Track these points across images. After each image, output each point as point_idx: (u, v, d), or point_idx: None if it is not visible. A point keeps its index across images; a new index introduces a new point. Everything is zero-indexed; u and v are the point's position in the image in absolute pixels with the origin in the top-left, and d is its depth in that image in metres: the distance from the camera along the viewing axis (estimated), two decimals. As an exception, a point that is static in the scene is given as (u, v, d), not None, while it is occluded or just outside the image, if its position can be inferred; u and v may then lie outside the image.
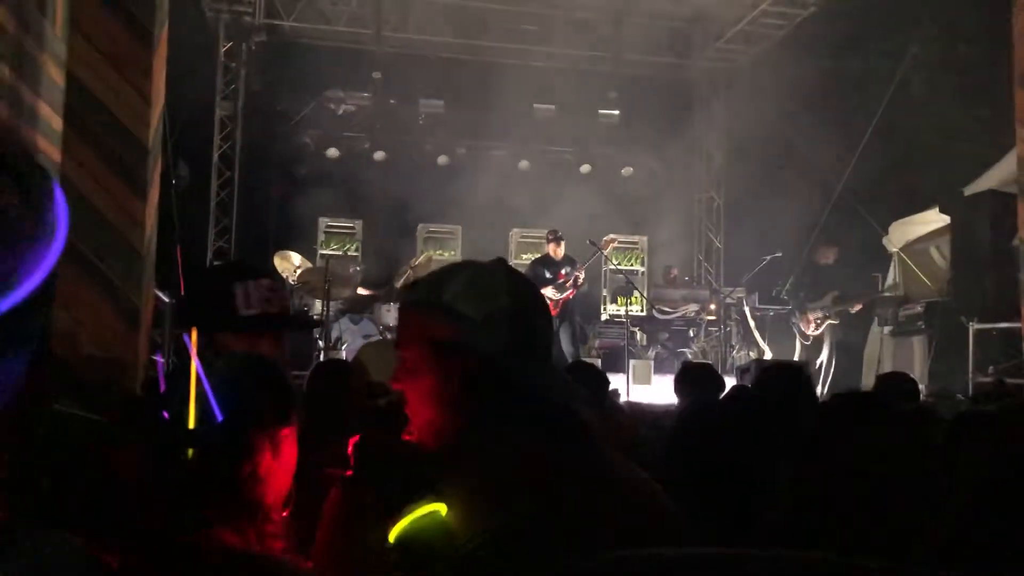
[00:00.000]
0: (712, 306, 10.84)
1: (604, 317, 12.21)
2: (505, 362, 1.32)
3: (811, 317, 9.43)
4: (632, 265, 12.62)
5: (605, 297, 12.51)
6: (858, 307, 9.31)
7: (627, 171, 12.94)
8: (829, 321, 9.32)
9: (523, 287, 1.41)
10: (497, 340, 1.32)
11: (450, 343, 1.33)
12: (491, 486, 1.24)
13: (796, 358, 9.38)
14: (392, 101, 12.37)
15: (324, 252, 11.75)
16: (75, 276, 5.28)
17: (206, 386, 1.54)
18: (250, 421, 1.56)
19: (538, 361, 1.36)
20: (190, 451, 1.51)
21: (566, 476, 1.26)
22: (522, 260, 11.99)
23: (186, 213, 9.69)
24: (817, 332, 9.41)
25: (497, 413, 1.32)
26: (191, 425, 1.52)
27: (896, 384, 3.17)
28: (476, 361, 1.31)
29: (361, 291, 9.82)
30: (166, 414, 1.57)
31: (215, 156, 11.77)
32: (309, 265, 9.77)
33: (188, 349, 1.68)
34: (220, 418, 1.53)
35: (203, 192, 11.65)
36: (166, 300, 7.48)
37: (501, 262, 1.45)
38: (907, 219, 10.15)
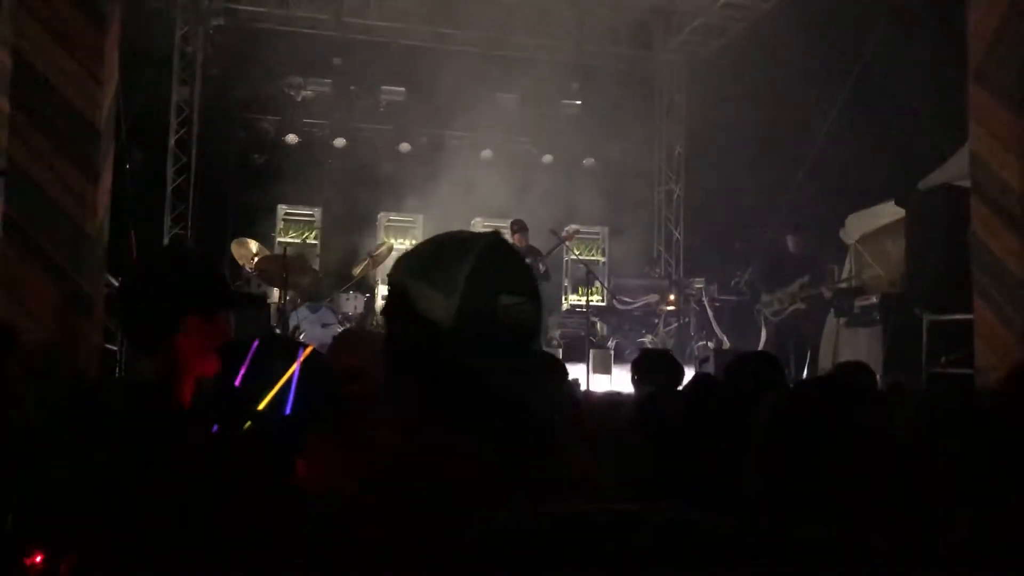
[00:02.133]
0: (672, 296, 10.90)
1: (565, 307, 12.23)
2: (456, 351, 1.19)
3: (780, 298, 9.32)
4: (593, 255, 12.65)
5: (566, 287, 12.53)
6: (830, 294, 9.20)
7: (589, 162, 12.95)
8: (795, 306, 9.23)
9: (499, 265, 1.26)
10: (452, 323, 1.19)
11: (404, 322, 1.23)
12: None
13: (760, 347, 9.40)
14: (353, 88, 12.24)
15: (282, 240, 11.61)
16: (21, 261, 5.15)
17: (293, 383, 1.71)
18: (316, 424, 1.68)
19: (506, 352, 1.21)
20: (248, 423, 1.68)
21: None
22: (484, 250, 11.95)
23: (142, 199, 9.52)
24: (781, 317, 9.31)
25: (441, 411, 1.20)
26: (260, 407, 1.72)
27: (854, 373, 3.20)
28: (424, 346, 1.20)
29: None
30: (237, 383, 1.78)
31: (171, 141, 11.57)
32: (267, 253, 9.65)
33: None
34: (287, 412, 1.65)
35: (159, 178, 11.46)
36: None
37: (495, 235, 1.32)
38: (864, 212, 10.27)
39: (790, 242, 9.44)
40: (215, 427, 1.67)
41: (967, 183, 6.96)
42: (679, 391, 2.10)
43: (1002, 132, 6.30)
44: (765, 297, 9.45)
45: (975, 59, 6.55)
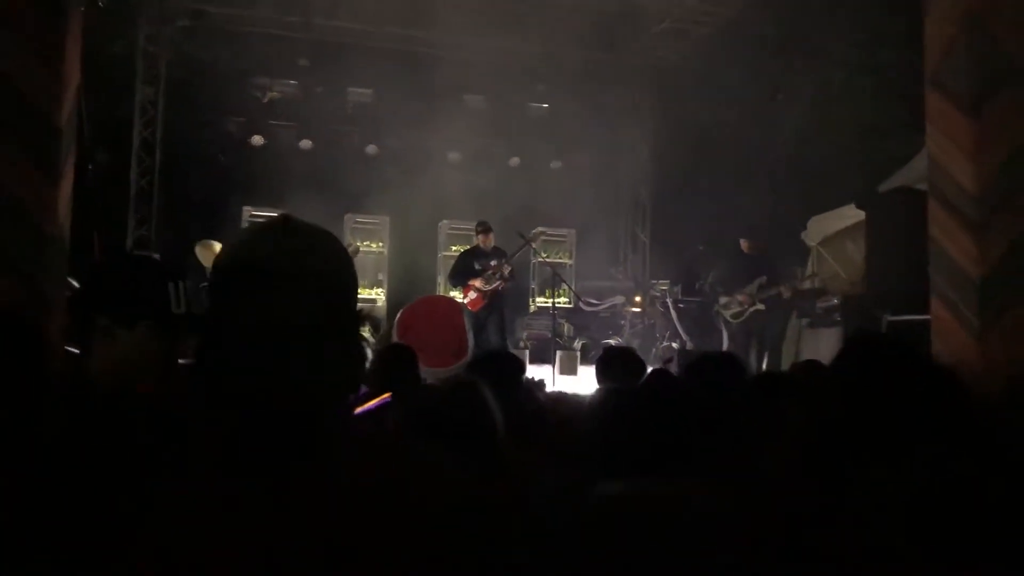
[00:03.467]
0: (637, 298, 10.99)
1: (532, 309, 12.28)
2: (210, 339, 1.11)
3: (739, 299, 9.42)
4: (560, 258, 12.70)
5: (533, 289, 12.57)
6: (789, 293, 9.31)
7: (556, 164, 13.00)
8: (755, 307, 9.33)
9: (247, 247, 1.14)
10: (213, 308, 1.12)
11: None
12: None
13: (724, 349, 9.47)
14: (319, 89, 12.20)
15: (248, 242, 11.52)
16: (-18, 262, 5.08)
17: None
18: None
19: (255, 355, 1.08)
20: None
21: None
22: (451, 252, 11.97)
23: (106, 201, 9.43)
24: (741, 319, 9.41)
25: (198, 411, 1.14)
26: None
27: (808, 372, 3.25)
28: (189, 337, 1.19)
29: None
30: None
31: (136, 142, 11.46)
32: (232, 255, 9.57)
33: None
34: None
35: (124, 179, 11.34)
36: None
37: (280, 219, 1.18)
38: (825, 214, 10.43)
39: (743, 244, 9.56)
40: None
41: (926, 186, 7.08)
42: (636, 387, 2.14)
43: (958, 136, 6.42)
44: (723, 299, 9.54)
45: (932, 66, 6.67)
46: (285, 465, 1.06)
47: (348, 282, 1.19)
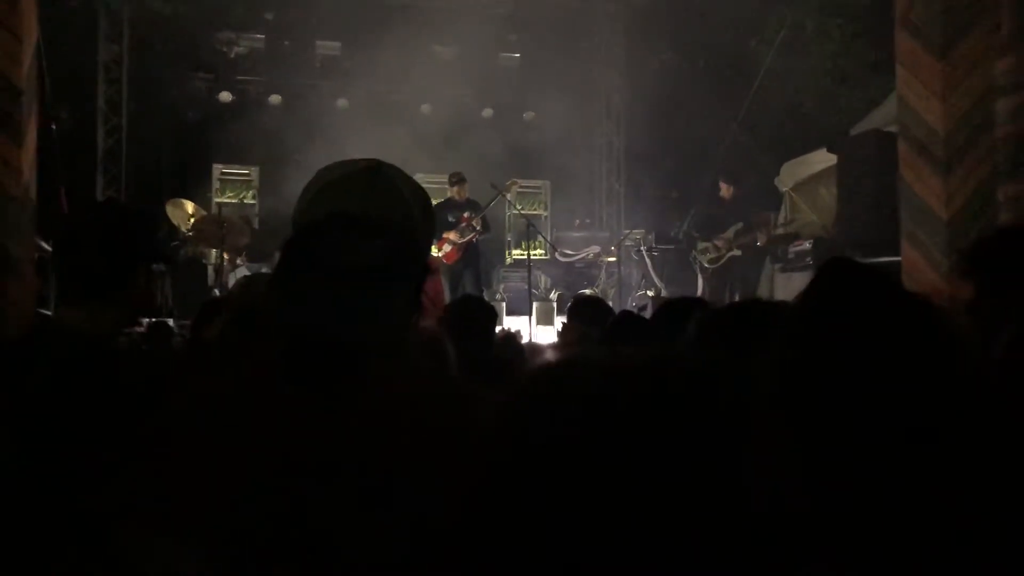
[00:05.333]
0: (612, 247, 11.01)
1: (508, 261, 12.28)
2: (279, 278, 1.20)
3: (717, 244, 9.47)
4: (535, 209, 12.68)
5: (509, 242, 12.55)
6: (764, 239, 9.32)
7: (529, 115, 12.90)
8: (732, 253, 9.38)
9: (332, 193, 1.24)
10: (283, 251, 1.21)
11: None
12: None
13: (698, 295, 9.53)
14: (286, 43, 11.99)
15: (219, 200, 11.41)
16: (-56, 225, 5.01)
17: None
18: None
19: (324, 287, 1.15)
20: None
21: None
22: (425, 205, 11.91)
23: (73, 162, 9.28)
24: (718, 264, 9.47)
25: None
26: None
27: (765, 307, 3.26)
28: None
29: None
30: None
31: (100, 101, 11.25)
32: (204, 213, 9.50)
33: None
34: None
35: (91, 140, 11.15)
36: (51, 250, 7.18)
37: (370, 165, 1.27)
38: (798, 159, 10.45)
39: (722, 189, 9.61)
40: None
41: (896, 128, 7.10)
42: (602, 329, 2.15)
43: (927, 77, 6.44)
44: (701, 245, 9.60)
45: (901, 6, 6.67)
46: (336, 383, 1.14)
47: (424, 235, 1.30)
